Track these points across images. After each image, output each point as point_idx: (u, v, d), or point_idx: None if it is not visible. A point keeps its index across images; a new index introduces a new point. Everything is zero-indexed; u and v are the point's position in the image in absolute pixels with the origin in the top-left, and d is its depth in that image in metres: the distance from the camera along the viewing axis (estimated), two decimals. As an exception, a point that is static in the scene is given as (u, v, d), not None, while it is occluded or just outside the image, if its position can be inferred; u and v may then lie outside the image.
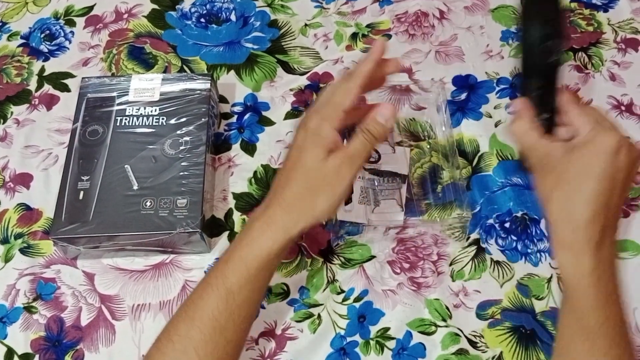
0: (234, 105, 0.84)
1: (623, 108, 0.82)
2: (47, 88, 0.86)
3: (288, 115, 0.83)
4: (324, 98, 0.57)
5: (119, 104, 0.76)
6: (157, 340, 0.56)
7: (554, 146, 0.55)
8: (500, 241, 0.73)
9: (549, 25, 0.56)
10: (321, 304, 0.70)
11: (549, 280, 0.71)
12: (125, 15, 0.93)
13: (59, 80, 0.87)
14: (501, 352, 0.67)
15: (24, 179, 0.78)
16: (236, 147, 0.80)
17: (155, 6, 0.93)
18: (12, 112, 0.84)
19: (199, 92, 0.76)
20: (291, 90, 0.85)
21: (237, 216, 0.75)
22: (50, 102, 0.84)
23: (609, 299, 0.53)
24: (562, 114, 0.58)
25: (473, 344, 0.67)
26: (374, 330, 0.68)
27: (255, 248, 0.55)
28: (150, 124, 0.74)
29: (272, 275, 0.58)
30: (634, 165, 0.53)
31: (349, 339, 0.68)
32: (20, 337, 0.68)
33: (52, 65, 0.88)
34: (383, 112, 0.56)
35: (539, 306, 0.69)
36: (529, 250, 0.72)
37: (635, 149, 0.52)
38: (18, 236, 0.74)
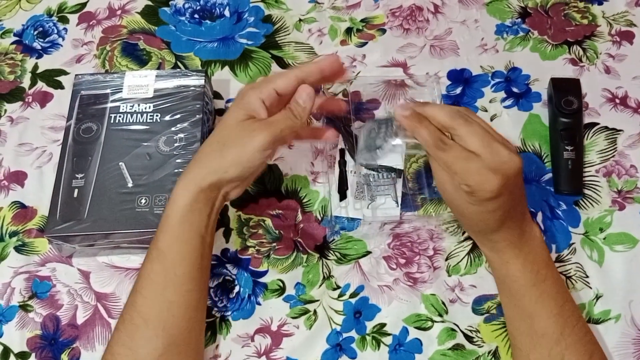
0: (228, 101, 0.84)
1: (618, 101, 0.82)
2: (41, 85, 0.85)
3: (283, 111, 0.82)
4: (274, 74, 0.61)
5: (112, 101, 0.75)
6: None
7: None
8: (495, 235, 0.73)
9: None
10: (317, 300, 0.70)
11: (545, 274, 0.71)
12: (119, 12, 0.92)
13: (52, 77, 0.86)
14: (497, 347, 0.67)
15: (18, 177, 0.78)
16: (231, 144, 0.80)
17: (149, 2, 0.93)
18: (5, 110, 0.83)
19: (193, 88, 0.76)
20: (286, 85, 0.85)
21: (232, 212, 0.75)
22: (43, 99, 0.84)
23: (538, 282, 0.58)
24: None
25: (469, 338, 0.67)
26: (370, 326, 0.68)
27: (171, 203, 0.58)
28: (145, 120, 0.74)
29: (198, 233, 0.59)
30: (520, 173, 0.55)
31: (345, 335, 0.68)
32: (16, 336, 0.68)
33: (46, 63, 0.88)
34: (301, 94, 0.59)
35: (535, 300, 0.69)
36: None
37: (515, 164, 0.53)
38: (13, 234, 0.74)
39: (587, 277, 0.71)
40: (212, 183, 0.58)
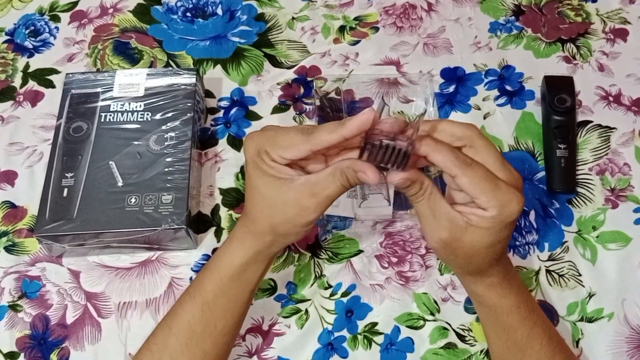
0: (220, 99, 0.83)
1: (611, 99, 0.82)
2: (32, 84, 0.85)
3: (275, 110, 0.82)
4: (274, 130, 0.50)
5: (103, 100, 0.75)
6: (139, 349, 0.56)
7: (457, 216, 0.49)
8: (488, 234, 0.73)
9: None
10: (308, 299, 0.69)
11: (537, 272, 0.70)
12: (111, 10, 0.92)
13: (43, 76, 0.86)
14: (489, 346, 0.66)
15: (9, 177, 0.77)
16: (223, 142, 0.80)
17: (141, 1, 0.92)
18: (-4, 109, 0.83)
19: (184, 86, 0.76)
20: (278, 84, 0.84)
21: (224, 212, 0.75)
22: (35, 98, 0.84)
23: (529, 313, 0.57)
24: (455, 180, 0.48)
25: (461, 337, 0.67)
26: (361, 325, 0.68)
27: (227, 259, 0.55)
28: (135, 119, 0.73)
29: (248, 290, 0.56)
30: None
31: (336, 334, 0.67)
32: (5, 336, 0.67)
33: (37, 62, 0.87)
34: (367, 173, 0.46)
35: (527, 299, 0.69)
36: (517, 243, 0.72)
37: (522, 199, 0.48)
38: (3, 234, 0.73)
39: (580, 275, 0.70)
40: (270, 246, 0.53)
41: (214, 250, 0.72)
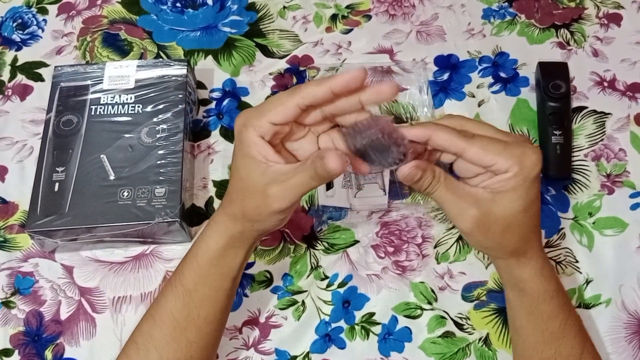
0: (212, 91, 0.82)
1: (606, 84, 0.81)
2: (21, 78, 0.84)
3: (268, 100, 0.81)
4: (262, 102, 0.51)
5: (93, 93, 0.74)
6: (125, 343, 0.56)
7: (479, 192, 0.49)
8: (484, 222, 0.72)
9: None
10: (305, 291, 0.69)
11: (534, 259, 0.70)
12: (99, 2, 0.90)
13: (32, 69, 0.84)
14: (487, 334, 0.66)
15: (-1, 172, 0.76)
16: (215, 134, 0.79)
17: (130, -9, 0.91)
18: (-16, 104, 0.82)
19: (175, 78, 0.75)
20: (271, 74, 0.83)
21: (217, 204, 0.74)
22: (23, 92, 0.82)
23: (566, 299, 0.56)
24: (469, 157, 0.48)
25: (459, 326, 0.67)
26: (359, 315, 0.68)
27: (203, 244, 0.55)
28: (126, 112, 0.72)
29: (229, 277, 0.55)
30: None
31: (333, 325, 0.67)
32: (-2, 333, 0.67)
33: (25, 55, 0.86)
34: (329, 159, 0.44)
35: (525, 286, 0.69)
36: None
37: (536, 148, 0.48)
38: (-6, 230, 0.73)
39: (577, 262, 0.70)
40: (243, 230, 0.52)
41: (209, 242, 0.71)
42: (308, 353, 0.66)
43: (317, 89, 0.45)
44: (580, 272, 0.69)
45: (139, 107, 0.73)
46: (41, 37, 0.87)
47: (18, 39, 0.87)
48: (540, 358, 0.56)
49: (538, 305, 0.55)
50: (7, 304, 0.68)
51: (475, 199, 0.48)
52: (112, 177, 0.68)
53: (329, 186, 0.72)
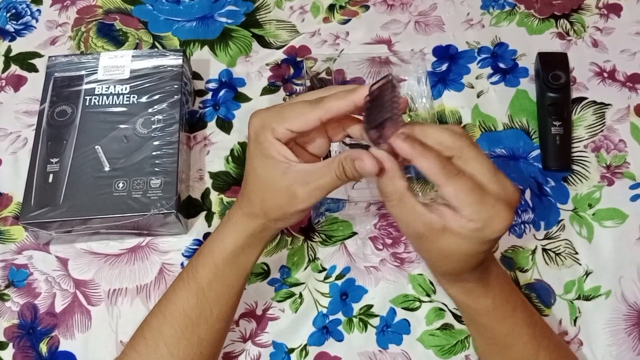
0: (208, 81, 0.81)
1: (606, 75, 0.81)
2: (14, 69, 0.83)
3: (265, 91, 0.80)
4: (280, 105, 0.50)
5: (87, 83, 0.73)
6: (131, 337, 0.55)
7: (433, 219, 0.45)
8: (483, 213, 0.72)
9: None
10: (302, 283, 0.68)
11: (533, 252, 0.69)
12: (94, -8, 0.89)
13: (26, 60, 0.83)
14: (486, 326, 0.66)
15: (-8, 164, 0.75)
16: (212, 125, 0.78)
17: (125, -19, 0.90)
18: (-22, 95, 0.81)
19: (170, 68, 0.74)
20: (267, 65, 0.83)
21: (214, 196, 0.73)
22: (17, 83, 0.81)
23: (508, 313, 0.54)
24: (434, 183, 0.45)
25: (458, 318, 0.66)
26: (356, 307, 0.67)
27: (220, 243, 0.54)
28: (121, 102, 0.72)
29: (243, 274, 0.56)
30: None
31: (331, 317, 0.66)
32: (-8, 326, 0.66)
33: (19, 45, 0.85)
34: (365, 163, 0.45)
35: (523, 278, 0.68)
36: (513, 222, 0.71)
37: (517, 198, 0.46)
38: (-12, 222, 0.72)
39: (577, 253, 0.69)
40: (263, 227, 0.52)
41: (206, 235, 0.71)
42: (305, 345, 0.65)
43: (341, 104, 0.46)
44: (580, 264, 0.69)
45: (134, 97, 0.72)
46: (35, 28, 0.86)
47: (12, 30, 0.86)
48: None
49: (475, 318, 0.55)
50: (1, 296, 0.67)
51: (426, 224, 0.45)
52: (107, 168, 0.67)
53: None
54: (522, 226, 0.71)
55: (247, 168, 0.51)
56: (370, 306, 0.67)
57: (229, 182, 0.74)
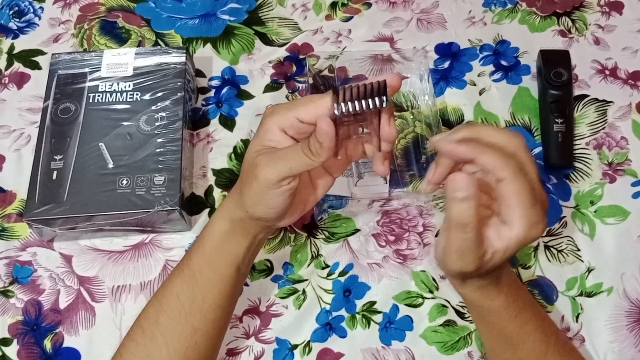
0: (211, 79, 0.82)
1: (607, 72, 0.81)
2: (17, 66, 0.83)
3: (267, 88, 0.81)
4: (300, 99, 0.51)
5: (91, 80, 0.73)
6: (130, 328, 0.56)
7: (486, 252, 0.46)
8: (486, 210, 0.72)
9: None
10: (306, 280, 0.69)
11: (536, 248, 0.70)
12: (96, -11, 0.89)
13: (29, 57, 0.84)
14: (489, 322, 0.66)
15: (-4, 161, 0.76)
16: (215, 122, 0.78)
17: (127, -21, 0.90)
18: (-19, 92, 0.81)
19: (174, 65, 0.74)
20: (270, 62, 0.83)
21: (217, 193, 0.73)
22: (20, 80, 0.81)
23: (519, 310, 0.54)
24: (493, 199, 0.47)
25: (461, 314, 0.66)
26: (359, 304, 0.67)
27: (209, 228, 0.56)
28: (125, 99, 0.72)
29: (233, 264, 0.55)
30: None
31: (334, 314, 0.67)
32: (-3, 323, 0.66)
33: (22, 43, 0.85)
34: (320, 127, 0.45)
35: (526, 275, 0.68)
36: None
37: (546, 226, 0.48)
38: (-9, 219, 0.72)
39: (579, 250, 0.70)
40: (242, 218, 0.53)
41: (209, 231, 0.71)
42: (309, 342, 0.65)
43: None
44: (582, 261, 0.69)
45: (137, 94, 0.72)
46: (38, 25, 0.87)
47: (15, 27, 0.86)
48: (500, 358, 0.57)
49: (484, 317, 0.55)
50: (5, 293, 0.68)
51: (477, 257, 0.46)
52: (110, 166, 0.68)
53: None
54: (525, 223, 0.71)
55: (245, 158, 0.52)
56: (373, 303, 0.67)
57: (232, 179, 0.74)
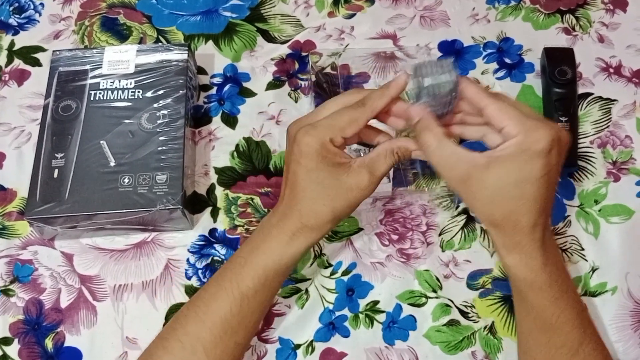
0: (213, 76, 0.81)
1: (612, 70, 0.80)
2: (18, 63, 0.82)
3: (270, 86, 0.80)
4: (326, 111, 0.53)
5: (92, 77, 0.72)
6: (162, 339, 0.55)
7: (476, 156, 0.49)
8: (489, 209, 0.71)
9: None
10: (308, 279, 0.68)
11: (540, 247, 0.69)
12: (97, -15, 0.89)
13: (29, 54, 0.83)
14: (493, 322, 0.66)
15: (-4, 158, 0.75)
16: (217, 120, 0.78)
17: (128, -25, 0.89)
18: (-19, 89, 0.80)
19: (175, 63, 0.73)
20: (272, 59, 0.82)
21: (219, 191, 0.73)
22: (21, 77, 0.81)
23: (562, 292, 0.53)
24: (475, 109, 0.51)
25: (464, 314, 0.66)
26: (363, 303, 0.67)
27: (276, 257, 0.54)
28: (126, 97, 0.71)
29: (285, 279, 0.57)
30: (564, 154, 0.49)
31: (337, 313, 0.66)
32: (-2, 322, 0.66)
33: (22, 39, 0.84)
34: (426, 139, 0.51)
35: (530, 274, 0.68)
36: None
37: (565, 137, 0.49)
38: (-8, 218, 0.71)
39: (583, 249, 0.69)
40: (325, 233, 0.55)
41: (211, 230, 0.70)
42: (312, 342, 0.65)
43: (382, 101, 0.52)
44: (586, 260, 0.69)
45: (139, 92, 0.72)
46: (38, 22, 0.86)
47: (15, 23, 0.86)
48: (534, 342, 0.55)
49: (526, 294, 0.53)
50: (6, 292, 0.67)
51: (469, 162, 0.48)
52: (112, 164, 0.67)
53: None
54: (528, 222, 0.71)
55: (303, 184, 0.52)
56: (376, 302, 0.67)
57: (234, 178, 0.74)
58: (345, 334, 0.65)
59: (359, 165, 0.52)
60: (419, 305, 0.67)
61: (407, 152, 0.54)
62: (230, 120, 0.78)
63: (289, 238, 0.53)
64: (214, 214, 0.72)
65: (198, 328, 0.53)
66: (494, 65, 0.81)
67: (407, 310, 0.67)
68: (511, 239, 0.51)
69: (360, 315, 0.66)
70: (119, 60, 0.74)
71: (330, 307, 0.67)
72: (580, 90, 0.79)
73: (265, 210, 0.72)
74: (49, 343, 0.65)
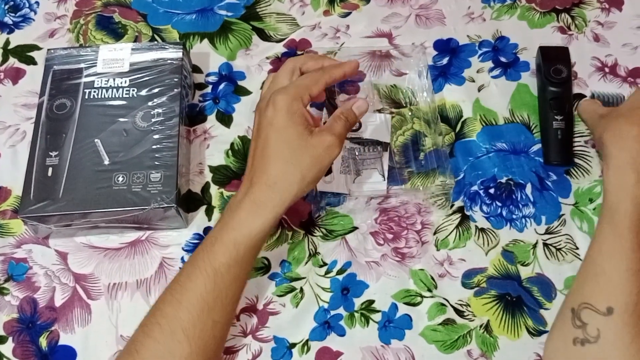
0: (208, 75, 0.81)
1: (607, 70, 0.80)
2: (13, 61, 0.82)
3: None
4: (298, 79, 0.62)
5: (87, 76, 0.72)
6: (142, 325, 0.55)
7: (608, 109, 0.68)
8: (484, 207, 0.71)
9: None
10: (303, 278, 0.68)
11: (534, 246, 0.69)
12: (92, -16, 0.88)
13: (24, 53, 0.83)
14: (488, 321, 0.66)
15: (-9, 157, 0.75)
16: (212, 119, 0.78)
17: (124, -27, 0.89)
18: (-24, 88, 0.80)
19: (170, 61, 0.73)
20: (267, 58, 0.82)
21: (214, 190, 0.73)
22: (16, 76, 0.81)
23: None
24: None
25: (460, 313, 0.66)
26: (358, 302, 0.67)
27: (244, 230, 0.56)
28: (121, 95, 0.71)
29: (258, 252, 0.58)
30: None
31: (332, 312, 0.66)
32: (-8, 320, 0.66)
33: (17, 38, 0.84)
34: (360, 106, 0.63)
35: (525, 272, 0.68)
36: (514, 216, 0.71)
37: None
38: (-14, 216, 0.71)
39: (577, 248, 0.69)
40: (290, 206, 0.57)
41: (206, 229, 0.70)
42: (307, 340, 0.65)
43: (338, 72, 0.62)
44: (580, 259, 0.69)
45: (133, 90, 0.71)
46: (33, 20, 0.86)
47: (10, 22, 0.86)
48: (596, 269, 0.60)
49: (613, 217, 0.60)
50: (0, 290, 0.67)
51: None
52: (106, 162, 0.67)
53: (328, 172, 0.71)
54: (523, 220, 0.71)
55: (274, 145, 0.57)
56: (371, 301, 0.67)
57: (229, 176, 0.74)
58: (341, 333, 0.65)
59: (320, 129, 0.59)
60: (414, 305, 0.67)
61: (352, 114, 0.61)
62: (225, 119, 0.77)
63: (257, 207, 0.55)
64: (209, 213, 0.72)
65: (175, 309, 0.54)
66: (490, 64, 0.81)
67: (402, 309, 0.66)
68: (615, 154, 0.62)
69: (356, 314, 0.66)
70: (114, 58, 0.74)
71: (325, 306, 0.67)
72: (575, 90, 0.79)
73: (260, 208, 0.71)
74: (43, 341, 0.65)
